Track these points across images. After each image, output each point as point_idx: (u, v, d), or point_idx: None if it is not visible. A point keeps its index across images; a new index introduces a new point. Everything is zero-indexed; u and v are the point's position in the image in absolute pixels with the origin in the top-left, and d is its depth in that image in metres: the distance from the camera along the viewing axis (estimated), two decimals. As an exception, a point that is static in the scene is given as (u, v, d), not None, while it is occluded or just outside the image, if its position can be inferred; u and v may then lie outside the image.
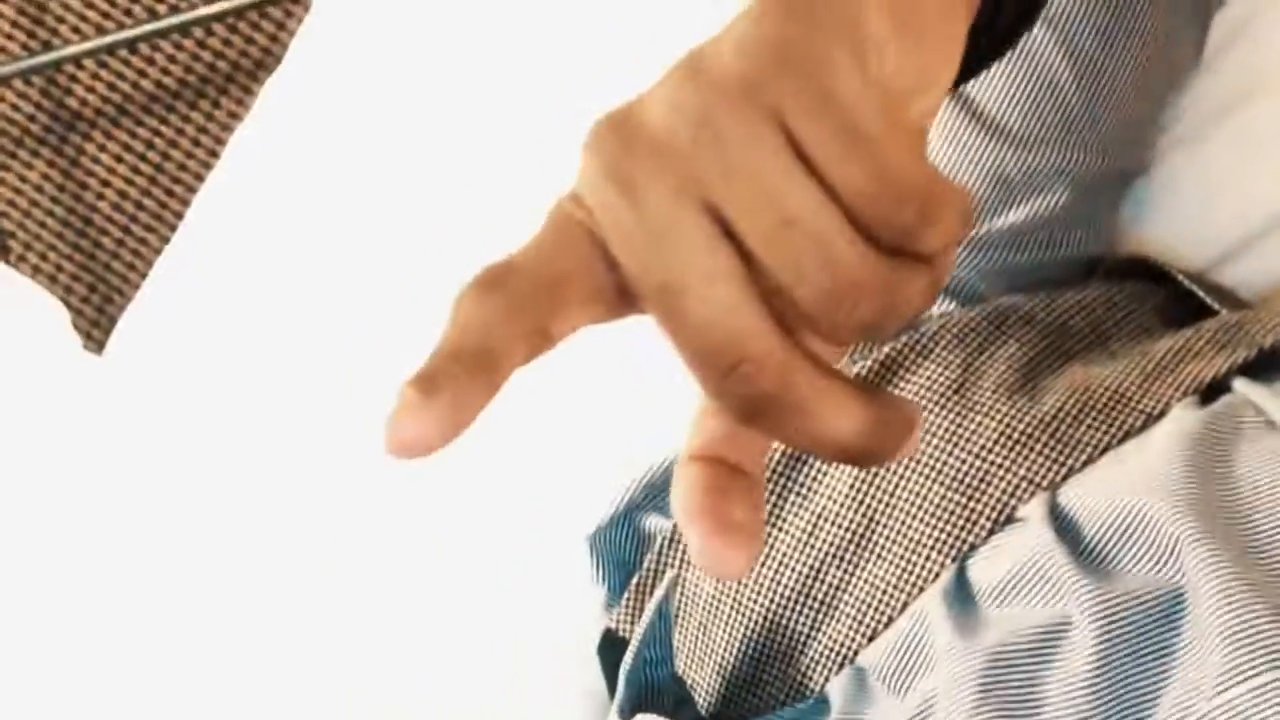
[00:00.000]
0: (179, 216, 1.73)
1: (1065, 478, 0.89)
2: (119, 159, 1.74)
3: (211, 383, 1.20)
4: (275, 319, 1.22)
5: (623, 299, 0.54)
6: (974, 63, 0.71)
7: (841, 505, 0.92)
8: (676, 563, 0.97)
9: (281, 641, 1.08)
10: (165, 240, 1.73)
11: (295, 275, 1.24)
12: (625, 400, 1.06)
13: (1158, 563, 0.83)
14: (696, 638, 0.96)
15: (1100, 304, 1.00)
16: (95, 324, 1.71)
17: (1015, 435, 0.91)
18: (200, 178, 1.74)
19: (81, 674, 1.09)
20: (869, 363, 0.95)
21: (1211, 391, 0.92)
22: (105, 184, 1.75)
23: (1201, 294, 1.01)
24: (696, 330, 0.52)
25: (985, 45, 0.71)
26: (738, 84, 0.52)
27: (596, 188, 0.52)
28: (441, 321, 0.50)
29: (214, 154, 1.73)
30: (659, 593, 0.91)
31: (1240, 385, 0.91)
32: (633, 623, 0.98)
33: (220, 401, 1.18)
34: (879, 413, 0.53)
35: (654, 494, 0.99)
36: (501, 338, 0.52)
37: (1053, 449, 0.90)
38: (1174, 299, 1.03)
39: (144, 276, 1.72)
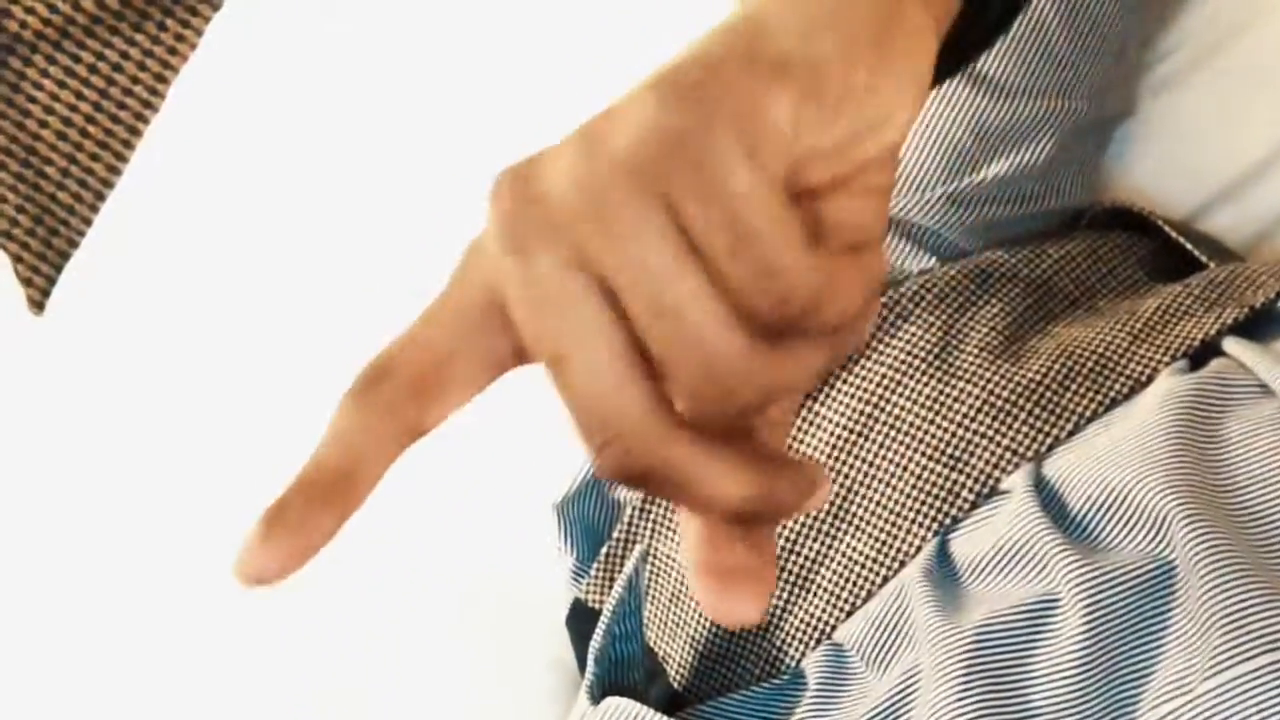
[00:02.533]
0: (125, 145, 1.68)
1: (1050, 448, 0.86)
2: (62, 85, 1.68)
3: (156, 342, 1.16)
4: (223, 276, 1.18)
5: (520, 358, 0.55)
6: (962, 50, 0.69)
7: None
8: (647, 535, 0.94)
9: (242, 602, 1.05)
10: (111, 169, 1.68)
11: (244, 229, 1.20)
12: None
13: (1146, 537, 0.80)
14: (668, 609, 0.93)
15: (1085, 257, 0.96)
16: (41, 257, 1.66)
17: (999, 403, 0.88)
18: (147, 104, 1.69)
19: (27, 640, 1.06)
20: None
21: (1201, 353, 0.89)
22: (49, 111, 1.69)
23: (1189, 245, 0.98)
24: (578, 399, 0.52)
25: (972, 37, 0.70)
26: (631, 166, 0.51)
27: (494, 244, 0.53)
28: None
29: (161, 79, 1.68)
30: (628, 567, 0.88)
31: (1231, 345, 0.87)
32: (602, 594, 0.95)
33: (166, 363, 1.15)
34: (772, 479, 0.53)
35: None
36: (368, 448, 0.54)
37: (1038, 418, 0.87)
38: (1161, 250, 0.99)
39: (90, 208, 1.67)
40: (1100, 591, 0.79)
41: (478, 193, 1.11)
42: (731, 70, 0.53)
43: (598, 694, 0.88)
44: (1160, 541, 0.80)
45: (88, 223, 1.66)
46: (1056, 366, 0.88)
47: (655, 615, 0.93)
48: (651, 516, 0.93)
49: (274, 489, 1.03)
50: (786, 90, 0.52)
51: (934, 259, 0.97)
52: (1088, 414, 0.86)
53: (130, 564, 1.08)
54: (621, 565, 0.93)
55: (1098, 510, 0.82)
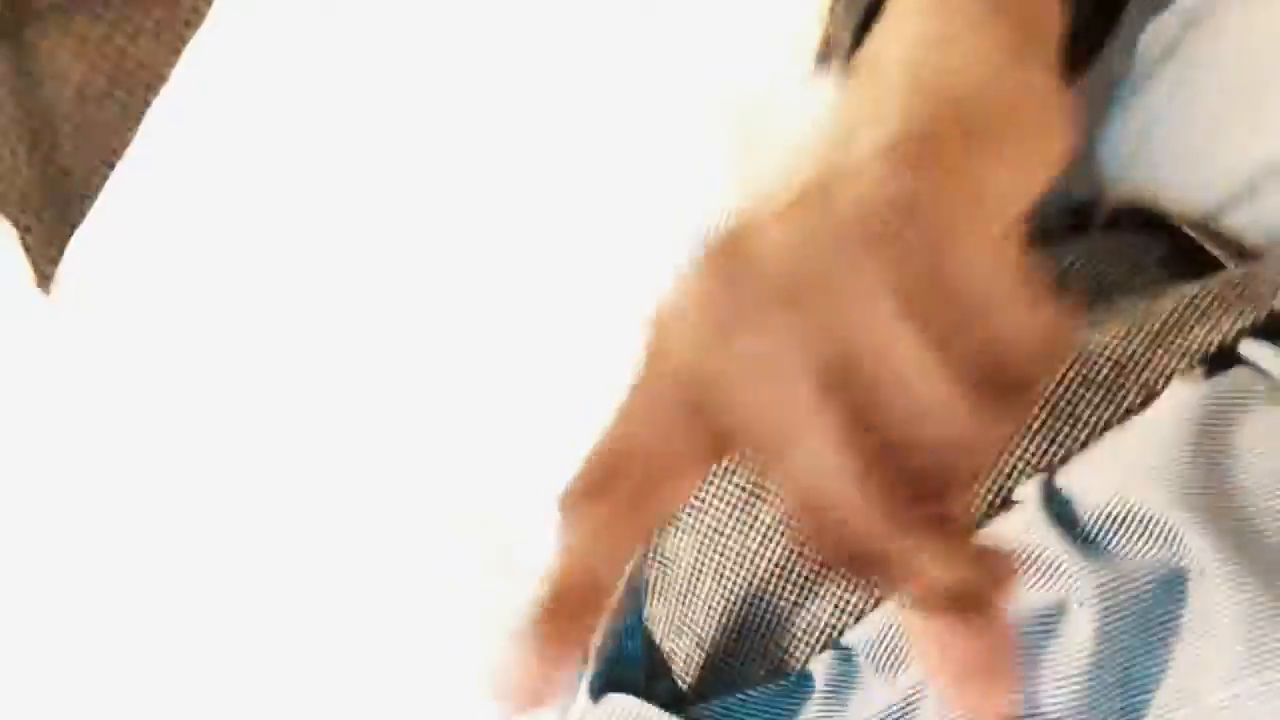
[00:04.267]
0: (139, 118, 1.67)
1: (1064, 460, 0.85)
2: (76, 56, 1.67)
3: (168, 324, 1.16)
4: (235, 265, 1.18)
5: (725, 446, 0.54)
6: None
7: None
8: (658, 530, 0.93)
9: (241, 579, 1.05)
10: (125, 143, 1.67)
11: (254, 221, 1.19)
12: (603, 361, 1.02)
13: (1158, 547, 0.80)
14: (675, 608, 0.93)
15: (1100, 257, 0.95)
16: (53, 232, 1.65)
17: None
18: (162, 77, 1.68)
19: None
20: None
21: (1219, 357, 0.88)
22: (62, 83, 1.69)
23: (1205, 243, 0.97)
24: (800, 488, 0.52)
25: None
26: (862, 232, 0.51)
27: (695, 326, 0.52)
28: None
29: (175, 51, 1.67)
30: (631, 564, 0.88)
31: (1249, 350, 0.87)
32: None
33: (179, 345, 1.14)
34: (975, 558, 0.53)
35: None
36: (606, 557, 0.55)
37: (1051, 427, 0.86)
38: (1176, 249, 0.98)
39: (104, 182, 1.67)
40: (1112, 597, 0.78)
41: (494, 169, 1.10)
42: (952, 142, 0.54)
43: (598, 691, 0.88)
44: (1172, 552, 0.79)
45: (99, 191, 1.65)
46: (1070, 374, 0.87)
47: (662, 613, 0.93)
48: None
49: (279, 464, 1.03)
50: (1003, 160, 0.55)
51: None
52: (1101, 424, 0.86)
53: (137, 543, 1.08)
54: None
55: (1109, 521, 0.81)
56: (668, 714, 0.85)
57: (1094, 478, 0.83)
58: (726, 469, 0.91)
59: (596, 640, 0.88)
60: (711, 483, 0.91)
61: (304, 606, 1.01)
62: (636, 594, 0.87)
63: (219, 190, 1.18)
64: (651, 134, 1.05)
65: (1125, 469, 0.82)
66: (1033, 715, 0.78)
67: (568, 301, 1.04)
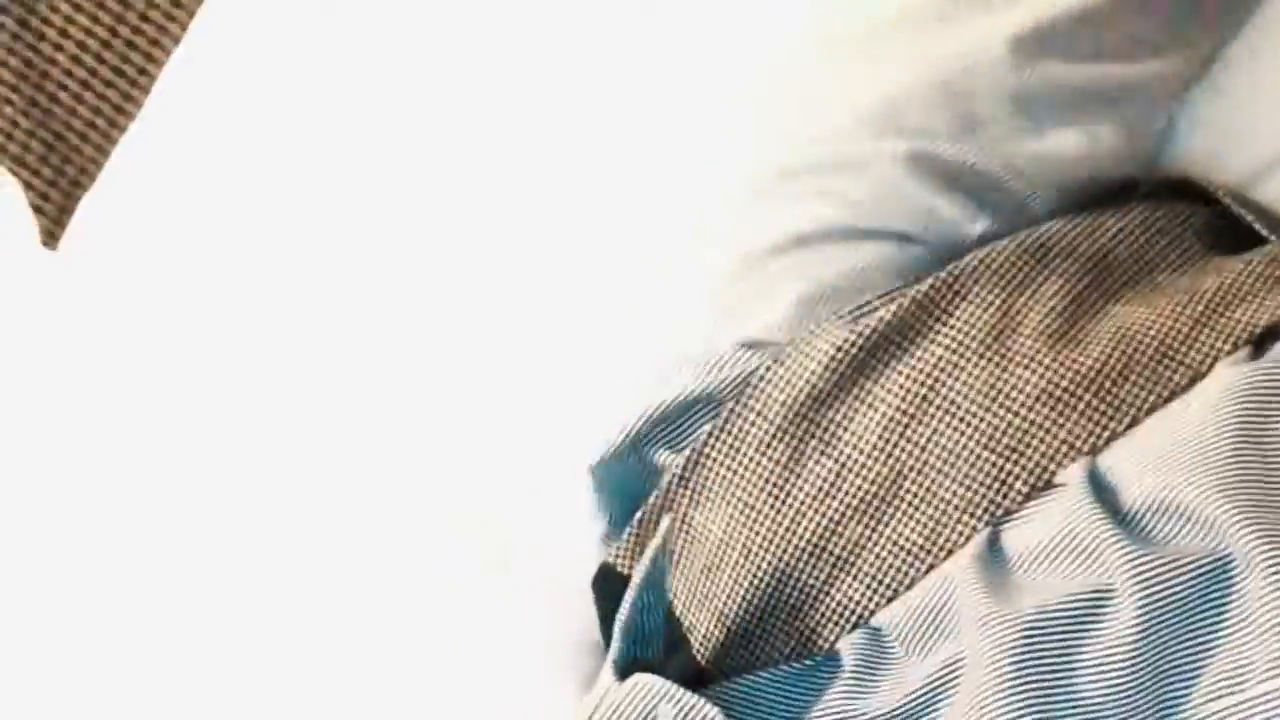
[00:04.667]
0: (141, 72, 1.64)
1: (1108, 442, 0.84)
2: (77, 8, 1.65)
3: (170, 281, 1.14)
4: (237, 258, 1.15)
5: None
6: None
7: (869, 456, 0.87)
8: (684, 503, 0.91)
9: (241, 578, 1.03)
10: (126, 97, 1.64)
11: (260, 173, 1.17)
12: (632, 336, 1.00)
13: (1203, 536, 0.79)
14: (699, 581, 0.91)
15: (1142, 230, 0.94)
16: (52, 184, 1.63)
17: (1058, 393, 0.86)
18: (163, 30, 1.65)
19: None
20: (906, 301, 0.89)
21: (1264, 337, 0.86)
22: (63, 35, 1.66)
23: (1250, 218, 0.96)
24: None
25: None
26: None
27: None
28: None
29: (177, 4, 1.64)
30: (656, 539, 0.86)
31: None
32: (632, 559, 0.93)
33: (180, 339, 1.12)
34: None
35: (665, 427, 0.93)
36: None
37: (1097, 409, 0.85)
38: (1218, 219, 0.97)
39: (104, 136, 1.64)
40: (1157, 582, 0.78)
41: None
42: None
43: (622, 669, 0.87)
44: (1217, 540, 0.78)
45: (101, 151, 1.63)
46: (1116, 354, 0.86)
47: (685, 586, 0.91)
48: (691, 485, 0.91)
49: (279, 463, 1.01)
50: None
51: (995, 223, 0.94)
52: (1146, 407, 0.85)
53: (134, 535, 1.06)
54: (654, 532, 0.91)
55: (1154, 509, 0.80)
56: (692, 694, 0.83)
57: (1140, 464, 0.82)
58: (761, 441, 0.89)
59: (622, 616, 0.87)
60: (744, 455, 0.90)
61: (304, 606, 0.99)
62: (660, 567, 0.86)
63: (218, 183, 1.16)
64: (650, 134, 1.03)
65: (1171, 457, 0.81)
66: (1072, 701, 0.77)
67: (568, 301, 1.02)
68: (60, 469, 1.09)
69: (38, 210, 1.52)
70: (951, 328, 0.89)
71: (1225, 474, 0.79)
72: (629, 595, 0.86)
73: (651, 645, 0.88)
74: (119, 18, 1.65)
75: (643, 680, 0.85)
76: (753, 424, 0.90)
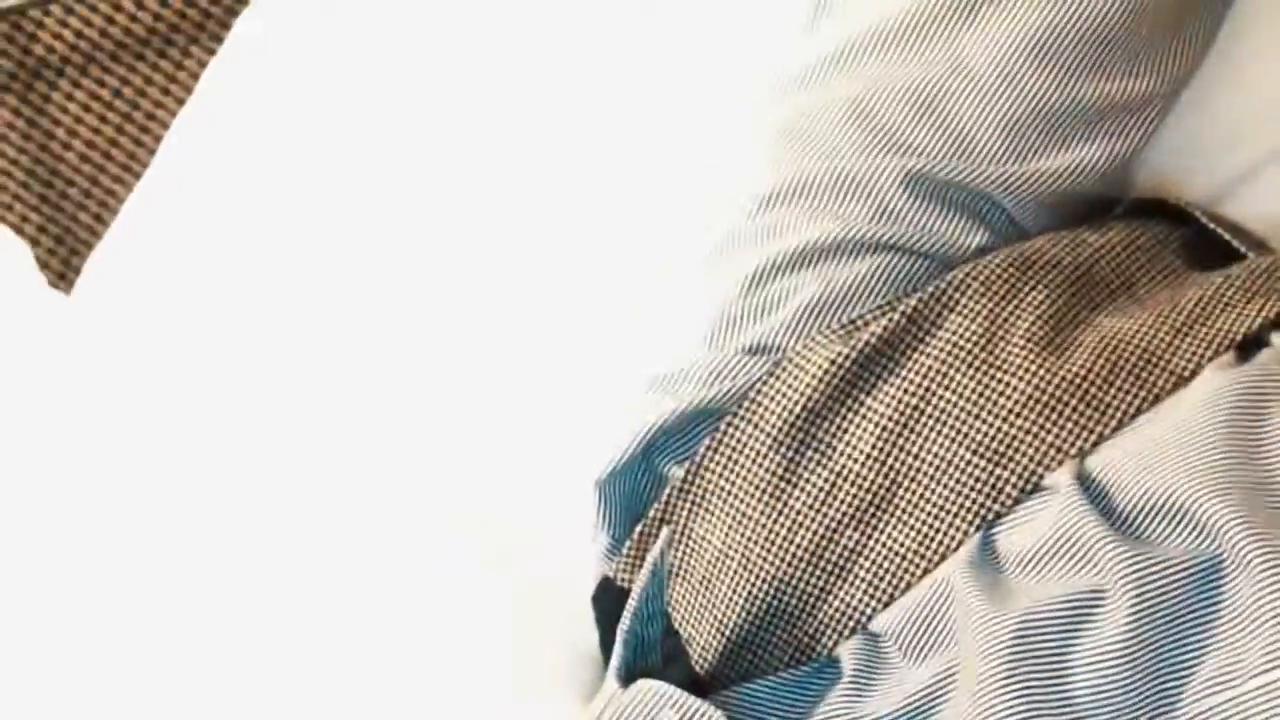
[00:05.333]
0: (148, 167, 1.68)
1: (1095, 445, 0.86)
2: (86, 107, 1.69)
3: (178, 326, 1.16)
4: (244, 263, 1.18)
5: None
6: None
7: (863, 465, 0.89)
8: (684, 514, 0.93)
9: (241, 578, 1.04)
10: (125, 168, 1.68)
11: (264, 220, 1.20)
12: (636, 342, 1.02)
13: (1194, 536, 0.80)
14: (698, 592, 0.92)
15: (1124, 247, 0.96)
16: (61, 276, 1.66)
17: (1044, 399, 0.87)
18: (169, 128, 1.68)
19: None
20: (896, 315, 0.92)
21: (1246, 345, 0.88)
22: (72, 133, 1.70)
23: (1226, 235, 0.98)
24: None
25: None
26: None
27: None
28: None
29: (183, 103, 1.67)
30: (656, 548, 0.87)
31: (1277, 339, 0.87)
32: (632, 573, 0.94)
33: (188, 345, 1.14)
34: None
35: (672, 438, 0.95)
36: None
37: (1083, 414, 0.87)
38: (1197, 240, 0.99)
39: (101, 205, 1.67)
40: (1149, 582, 0.79)
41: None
42: None
43: (625, 677, 0.87)
44: (1209, 540, 0.79)
45: (98, 220, 1.66)
46: (1101, 361, 0.88)
47: (683, 596, 0.92)
48: (690, 496, 0.92)
49: (280, 463, 1.02)
50: None
51: (990, 236, 0.96)
52: (1132, 410, 0.86)
53: (139, 536, 1.07)
54: (654, 544, 0.92)
55: (1145, 510, 0.82)
56: (695, 698, 0.84)
57: (1128, 464, 0.83)
58: (758, 453, 0.91)
59: (623, 626, 0.88)
60: (742, 466, 0.91)
61: (303, 605, 1.00)
62: (660, 578, 0.87)
63: (229, 197, 1.18)
64: (648, 135, 1.06)
65: (1161, 458, 0.82)
66: (1065, 699, 0.78)
67: (574, 306, 1.04)
68: (62, 469, 1.10)
69: (43, 265, 1.54)
70: (941, 339, 0.91)
71: (1215, 473, 0.80)
72: (630, 605, 0.87)
73: (651, 655, 0.89)
74: (126, 117, 1.69)
75: (647, 685, 0.85)
76: (750, 436, 0.91)
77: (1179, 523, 0.81)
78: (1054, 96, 0.96)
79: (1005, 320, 0.91)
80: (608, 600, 0.94)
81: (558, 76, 1.11)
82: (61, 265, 1.68)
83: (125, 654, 1.01)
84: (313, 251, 1.15)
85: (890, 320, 0.91)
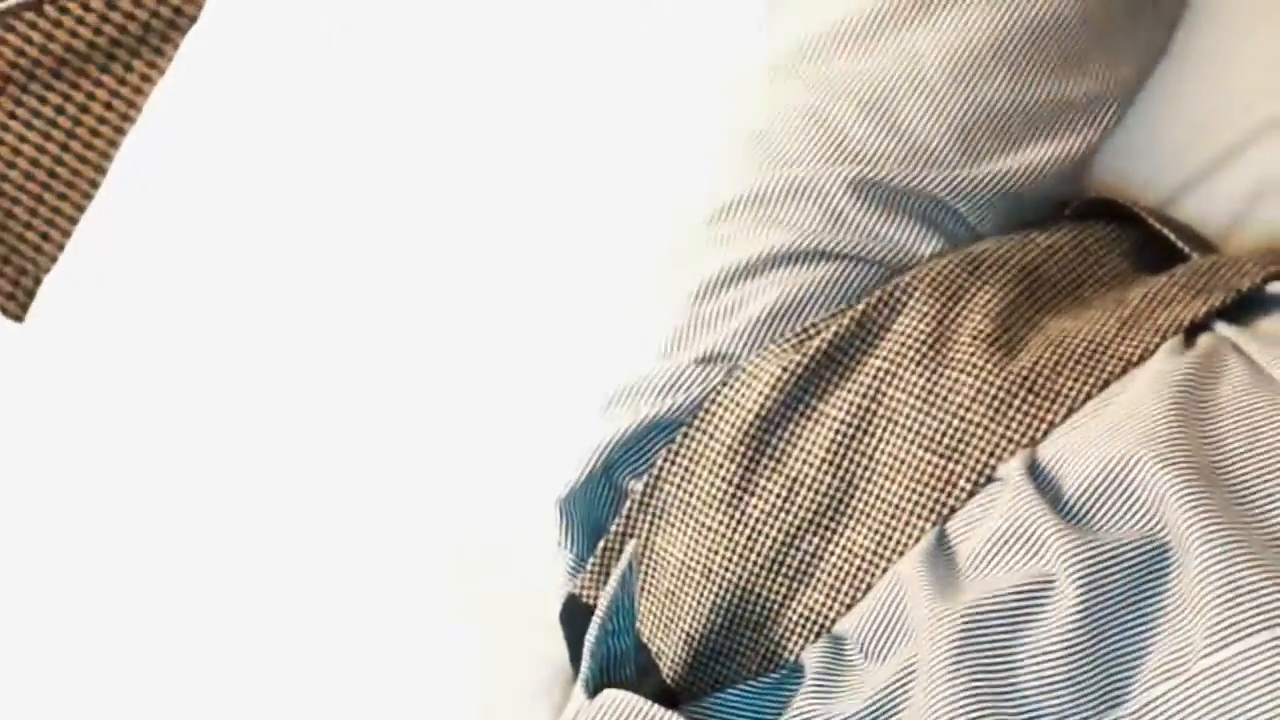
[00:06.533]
0: (93, 185, 1.67)
1: (1046, 433, 0.86)
2: (29, 125, 1.68)
3: (135, 345, 1.15)
4: (200, 280, 1.17)
5: None
6: None
7: (818, 469, 0.90)
8: (645, 529, 0.93)
9: (239, 579, 1.04)
10: (79, 209, 1.67)
11: (218, 235, 1.19)
12: (600, 362, 1.02)
13: (1142, 518, 0.80)
14: (664, 605, 0.93)
15: (1072, 248, 0.97)
16: (10, 296, 1.65)
17: (993, 391, 0.88)
18: (114, 144, 1.68)
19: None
20: (845, 320, 0.92)
21: (1192, 334, 0.89)
22: (16, 151, 1.69)
23: (1171, 236, 0.99)
24: None
25: None
26: None
27: None
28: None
29: (127, 118, 1.67)
30: (621, 562, 0.88)
31: (1221, 329, 0.88)
32: (597, 589, 0.95)
33: (145, 365, 1.14)
34: None
35: (630, 452, 0.95)
36: None
37: (1032, 404, 0.87)
38: (1143, 242, 1.00)
39: (58, 247, 1.66)
40: (1095, 570, 0.79)
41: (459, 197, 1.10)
42: None
43: (593, 689, 0.88)
44: (1156, 522, 0.80)
45: (55, 261, 1.65)
46: (1048, 354, 0.89)
47: (650, 610, 0.93)
48: (650, 509, 0.93)
49: (277, 465, 1.01)
50: None
51: (943, 241, 0.97)
52: (1082, 395, 0.87)
53: (137, 541, 1.07)
54: (618, 559, 0.93)
55: (1094, 492, 0.82)
56: (661, 708, 0.85)
57: (1079, 446, 0.84)
58: (714, 464, 0.91)
59: (591, 639, 0.88)
60: (699, 478, 0.92)
61: (302, 605, 1.00)
62: (627, 590, 0.88)
63: (215, 176, 1.18)
64: (646, 136, 1.06)
65: (1110, 433, 0.83)
66: (1011, 695, 0.79)
67: (565, 302, 1.04)
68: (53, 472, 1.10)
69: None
70: (890, 341, 0.91)
71: (1162, 442, 0.81)
72: (596, 619, 0.87)
73: (624, 669, 0.89)
74: (70, 133, 1.68)
75: (612, 696, 0.86)
76: (706, 447, 0.92)
77: (1126, 499, 0.81)
78: (1005, 99, 0.97)
79: (953, 320, 0.91)
80: (575, 617, 0.94)
81: (525, 82, 1.11)
82: (10, 285, 1.67)
83: (120, 656, 1.01)
84: (281, 263, 1.14)
85: (840, 325, 0.92)
